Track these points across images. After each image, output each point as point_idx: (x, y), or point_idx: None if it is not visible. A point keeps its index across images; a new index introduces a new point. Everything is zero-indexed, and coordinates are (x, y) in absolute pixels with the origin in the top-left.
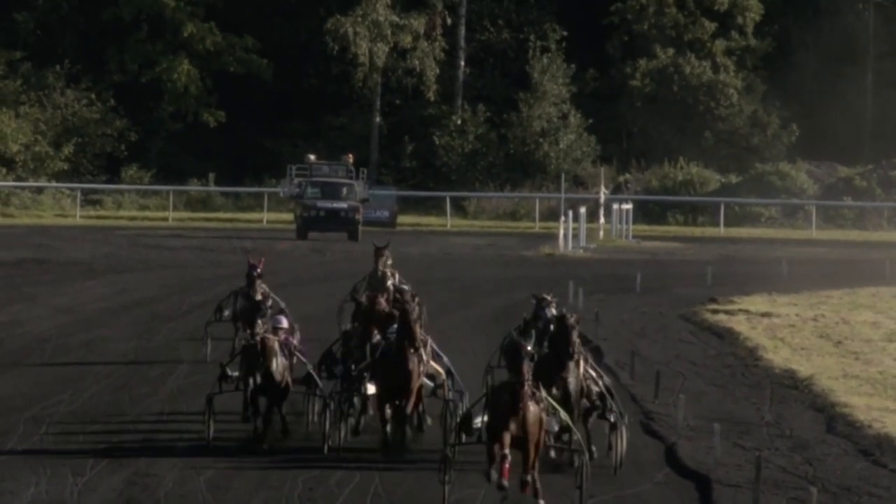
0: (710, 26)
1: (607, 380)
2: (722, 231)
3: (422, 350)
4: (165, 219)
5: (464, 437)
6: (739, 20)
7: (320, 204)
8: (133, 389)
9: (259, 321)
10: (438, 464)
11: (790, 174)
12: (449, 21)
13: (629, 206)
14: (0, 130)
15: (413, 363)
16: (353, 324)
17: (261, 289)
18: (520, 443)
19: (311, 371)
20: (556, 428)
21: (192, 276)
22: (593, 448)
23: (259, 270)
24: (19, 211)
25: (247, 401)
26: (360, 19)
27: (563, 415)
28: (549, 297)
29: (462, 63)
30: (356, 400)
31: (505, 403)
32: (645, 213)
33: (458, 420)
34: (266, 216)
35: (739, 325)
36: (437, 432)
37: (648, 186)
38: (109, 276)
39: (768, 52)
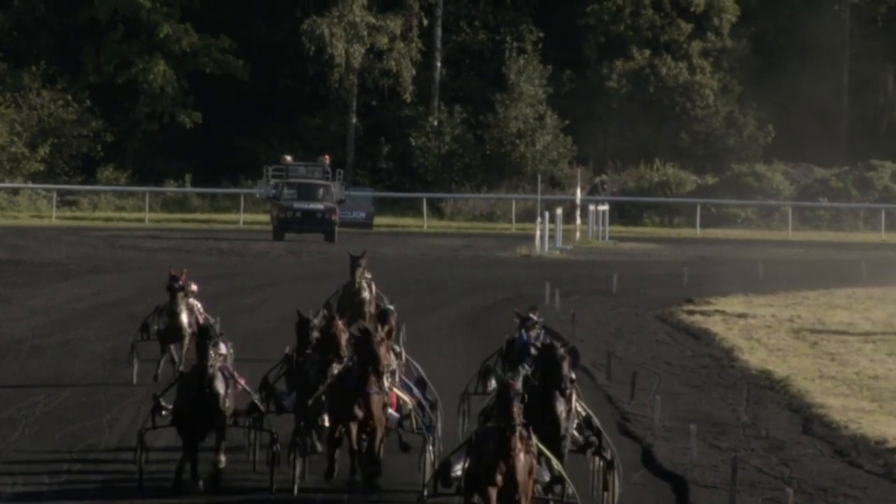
0: (687, 27)
1: (596, 421)
2: (698, 232)
3: (385, 377)
4: (142, 220)
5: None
6: (716, 21)
7: (297, 205)
8: (109, 390)
9: (210, 350)
10: None
11: (766, 175)
12: (425, 22)
13: (605, 207)
14: None
15: (374, 393)
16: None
17: (184, 303)
18: (507, 496)
19: (256, 401)
20: (547, 478)
21: (167, 277)
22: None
23: (181, 283)
24: None
25: (188, 439)
26: (336, 20)
27: (556, 463)
28: (534, 317)
29: (438, 64)
30: (314, 437)
31: (491, 452)
32: (621, 214)
33: (435, 468)
34: (242, 217)
35: (715, 325)
36: (403, 468)
37: (625, 187)
38: (85, 278)
39: (744, 53)
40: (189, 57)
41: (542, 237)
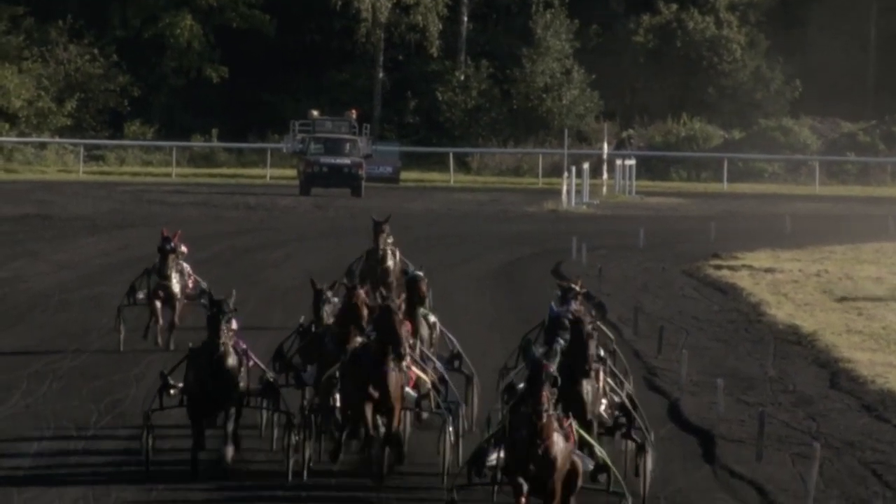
0: None
1: (629, 387)
2: (725, 187)
3: (406, 356)
4: (168, 175)
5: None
6: None
7: (323, 160)
8: (136, 345)
9: (223, 325)
10: None
11: (793, 130)
12: None
13: (632, 161)
14: (3, 86)
15: (391, 375)
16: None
17: (177, 269)
18: (541, 486)
19: (271, 379)
20: (592, 467)
21: (195, 232)
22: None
23: (173, 244)
24: (22, 167)
25: (196, 420)
26: None
27: (599, 450)
28: (577, 287)
29: (465, 18)
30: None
31: (523, 439)
32: (648, 168)
33: (469, 456)
34: (269, 172)
35: (742, 280)
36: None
37: (651, 142)
38: (112, 232)
39: (772, 6)
40: (216, 11)
41: (568, 192)
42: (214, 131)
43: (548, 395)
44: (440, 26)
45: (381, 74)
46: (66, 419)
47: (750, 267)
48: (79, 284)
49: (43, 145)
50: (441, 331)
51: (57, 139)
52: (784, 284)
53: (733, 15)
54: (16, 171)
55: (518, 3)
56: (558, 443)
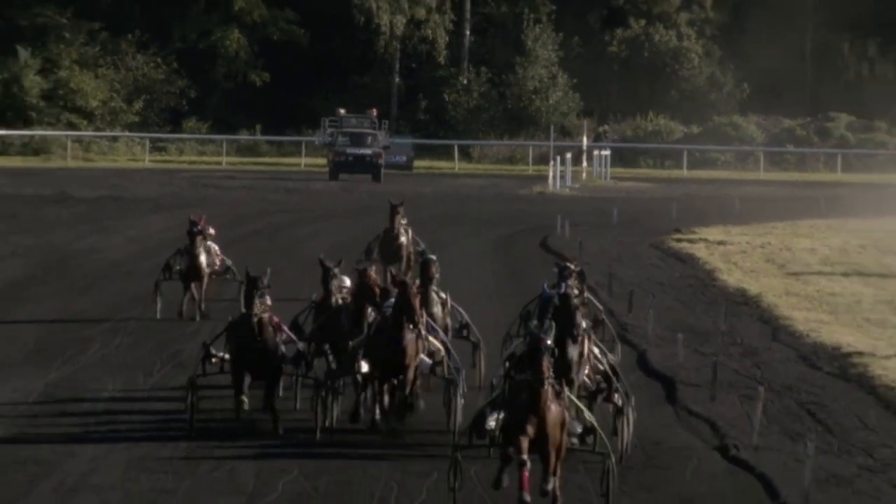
0: (676, 2)
1: (612, 357)
2: (685, 173)
3: (420, 326)
4: (219, 163)
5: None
6: None
7: (349, 150)
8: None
9: (257, 300)
10: (448, 469)
11: (742, 125)
12: None
13: (607, 152)
14: (82, 89)
15: (410, 340)
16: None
17: (204, 249)
18: (539, 447)
19: (301, 349)
20: (580, 430)
21: (242, 211)
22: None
23: (200, 227)
24: (98, 156)
25: (238, 382)
26: None
27: (587, 414)
28: (572, 266)
29: (467, 32)
30: (350, 380)
31: (523, 404)
32: (620, 158)
33: (470, 421)
34: (304, 161)
35: (699, 251)
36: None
37: (623, 136)
38: (173, 211)
39: (724, 22)
40: (259, 26)
41: (554, 177)
42: (258, 126)
43: (547, 364)
44: (447, 39)
45: (396, 79)
46: (135, 367)
47: (705, 240)
48: (144, 256)
49: (115, 138)
50: (451, 304)
51: (126, 133)
52: (734, 255)
53: (692, 29)
54: (93, 160)
55: (512, 19)
56: (554, 408)
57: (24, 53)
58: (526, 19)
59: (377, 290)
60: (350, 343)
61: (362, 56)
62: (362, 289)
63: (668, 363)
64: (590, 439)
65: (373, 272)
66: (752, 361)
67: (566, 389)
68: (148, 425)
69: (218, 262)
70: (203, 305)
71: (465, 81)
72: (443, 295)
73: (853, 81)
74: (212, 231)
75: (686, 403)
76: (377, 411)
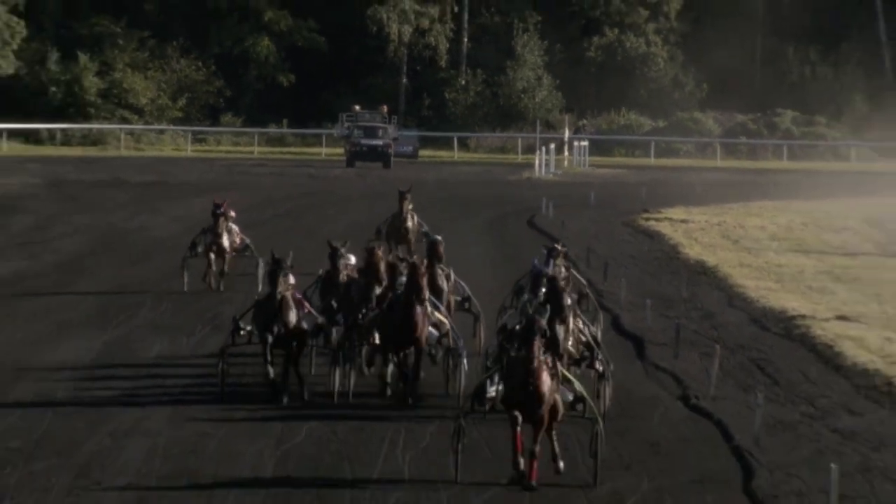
0: (644, 13)
1: (594, 329)
2: (652, 161)
3: (426, 303)
4: (251, 153)
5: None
6: (665, 9)
7: (363, 141)
8: (229, 276)
9: (281, 279)
10: (452, 433)
11: (701, 120)
12: (456, 9)
13: (585, 143)
14: (133, 89)
15: (419, 315)
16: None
17: (227, 229)
18: (535, 415)
19: (320, 322)
20: (571, 398)
21: (271, 194)
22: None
23: (223, 209)
24: (147, 146)
25: (266, 353)
26: (391, 8)
27: (578, 385)
28: (558, 247)
29: (465, 39)
30: (363, 350)
31: (519, 378)
32: (597, 148)
33: (472, 391)
34: (324, 150)
35: (664, 228)
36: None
37: (599, 129)
38: (212, 194)
39: (686, 31)
40: (286, 34)
41: (539, 165)
42: (285, 121)
43: (539, 344)
44: (447, 45)
45: (404, 80)
46: (178, 329)
47: (670, 219)
48: (187, 233)
49: (161, 131)
50: (455, 280)
51: (171, 127)
52: (694, 231)
53: (658, 37)
54: (142, 149)
55: (504, 28)
56: (546, 381)
57: (83, 58)
58: (516, 28)
59: (382, 267)
60: (360, 315)
61: (374, 60)
62: (370, 266)
63: (638, 325)
64: (580, 407)
65: (380, 251)
66: (709, 324)
67: (558, 364)
68: (189, 381)
69: (238, 241)
70: (222, 279)
71: (463, 82)
72: (448, 271)
73: (797, 82)
74: (232, 213)
75: (653, 360)
76: (388, 377)
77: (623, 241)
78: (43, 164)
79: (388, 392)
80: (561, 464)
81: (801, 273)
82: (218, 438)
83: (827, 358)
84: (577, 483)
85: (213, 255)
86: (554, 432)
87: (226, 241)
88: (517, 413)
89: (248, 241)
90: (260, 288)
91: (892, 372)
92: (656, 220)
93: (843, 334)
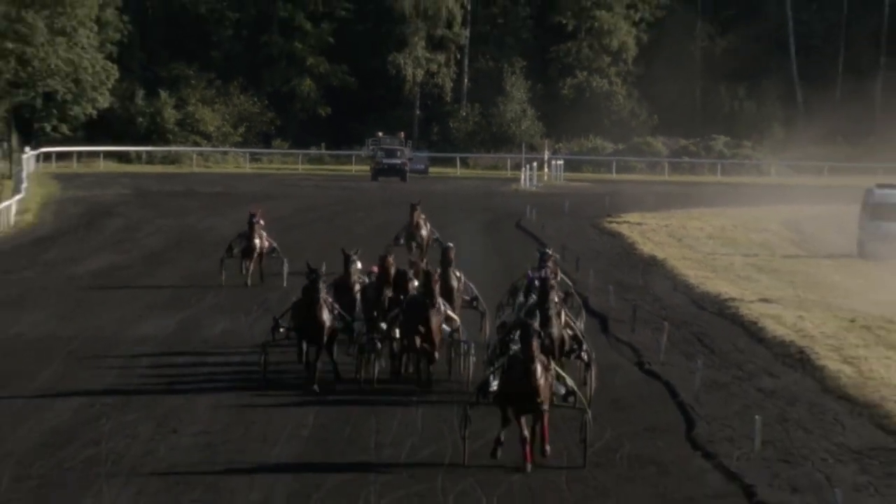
0: (607, 59)
1: (580, 325)
2: (614, 176)
3: (439, 304)
4: (296, 169)
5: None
6: (624, 55)
7: (385, 160)
8: (272, 268)
9: (321, 286)
10: (459, 421)
11: (652, 143)
12: (458, 56)
13: (561, 162)
14: (203, 119)
15: (433, 314)
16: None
17: (258, 233)
18: (532, 407)
19: (352, 324)
20: (563, 391)
21: (312, 202)
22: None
23: (257, 218)
24: (213, 164)
25: (301, 348)
26: (407, 55)
27: (569, 381)
28: (549, 252)
29: (465, 80)
30: (382, 343)
31: (517, 376)
32: (570, 166)
33: (477, 385)
34: (354, 168)
35: (623, 230)
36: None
37: (572, 151)
38: (266, 202)
39: (641, 73)
40: (324, 76)
41: (524, 179)
42: (323, 144)
43: (536, 345)
44: (451, 84)
45: (417, 112)
46: (237, 310)
47: (628, 222)
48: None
49: (225, 152)
50: (465, 282)
51: (233, 149)
52: (647, 232)
53: (618, 78)
54: (210, 167)
55: (496, 71)
56: (542, 378)
57: (164, 95)
58: (505, 71)
59: (392, 271)
60: (374, 313)
61: (394, 96)
62: (382, 271)
63: (603, 306)
64: (571, 399)
65: (390, 258)
66: (659, 305)
67: (552, 362)
68: (247, 350)
69: (267, 244)
70: (250, 275)
71: (464, 113)
72: (458, 274)
73: (728, 113)
74: (262, 221)
75: (615, 333)
76: (406, 366)
77: (591, 240)
78: (132, 178)
79: (411, 377)
80: (548, 447)
81: (732, 265)
82: (267, 403)
83: (752, 332)
84: (563, 461)
85: (246, 256)
86: (545, 419)
87: (257, 244)
88: (509, 414)
89: (275, 244)
90: (285, 283)
91: (803, 343)
92: (617, 223)
93: (764, 313)
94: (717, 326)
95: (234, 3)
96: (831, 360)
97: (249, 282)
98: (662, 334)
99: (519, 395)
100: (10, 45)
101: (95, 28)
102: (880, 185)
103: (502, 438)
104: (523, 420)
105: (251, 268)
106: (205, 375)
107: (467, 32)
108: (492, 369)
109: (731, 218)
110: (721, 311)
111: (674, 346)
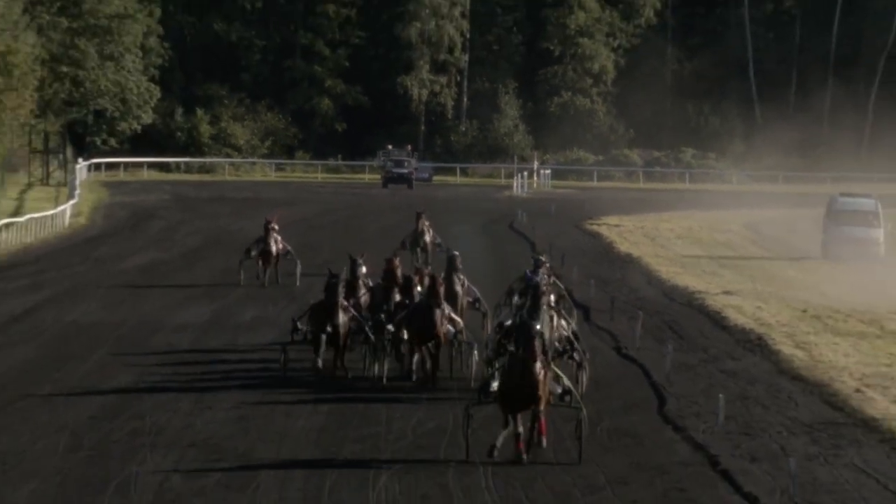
0: (590, 81)
1: (574, 326)
2: (595, 184)
3: (443, 306)
4: (316, 177)
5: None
6: (604, 77)
7: (394, 170)
8: (291, 268)
9: (340, 290)
10: (462, 420)
11: (629, 155)
12: (458, 79)
13: (548, 171)
14: (234, 133)
15: (437, 316)
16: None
17: (273, 237)
18: (529, 406)
19: (366, 326)
20: (560, 390)
21: (330, 206)
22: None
23: (273, 224)
24: (243, 173)
25: (317, 348)
26: (414, 78)
27: (566, 380)
28: (543, 259)
29: (465, 99)
30: (389, 344)
31: (517, 375)
32: (556, 175)
33: (479, 385)
34: (367, 176)
35: (603, 230)
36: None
37: (559, 161)
38: (290, 206)
39: (618, 93)
40: (340, 96)
41: (516, 186)
42: (339, 156)
43: (537, 345)
44: (452, 103)
45: (422, 127)
46: (265, 299)
47: (607, 224)
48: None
49: (253, 163)
50: (468, 285)
51: (260, 160)
52: (624, 232)
53: (599, 97)
54: (240, 176)
55: (492, 91)
56: (541, 377)
57: (200, 112)
58: (500, 92)
59: (399, 273)
60: (381, 314)
61: (402, 113)
62: (388, 274)
63: (585, 297)
64: (567, 398)
65: (396, 261)
66: (634, 296)
67: (551, 363)
68: (275, 334)
69: (281, 247)
70: (266, 277)
71: (463, 129)
72: (462, 278)
73: (695, 129)
74: (276, 227)
75: (596, 322)
76: (413, 363)
77: (574, 239)
78: (171, 185)
79: (414, 378)
80: (544, 440)
81: (698, 261)
82: (291, 385)
83: (716, 320)
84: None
85: (261, 260)
86: (542, 415)
87: (273, 248)
88: (508, 414)
89: (289, 247)
90: (298, 283)
91: (761, 330)
92: (597, 224)
93: (727, 304)
94: (686, 316)
95: (261, 31)
96: (785, 346)
97: (266, 283)
98: (637, 322)
99: (519, 391)
100: (65, 69)
101: (140, 54)
102: (843, 194)
103: (499, 445)
104: (520, 417)
105: (268, 270)
106: (237, 358)
107: (466, 57)
108: (492, 370)
109: (697, 220)
110: (689, 302)
111: (647, 333)
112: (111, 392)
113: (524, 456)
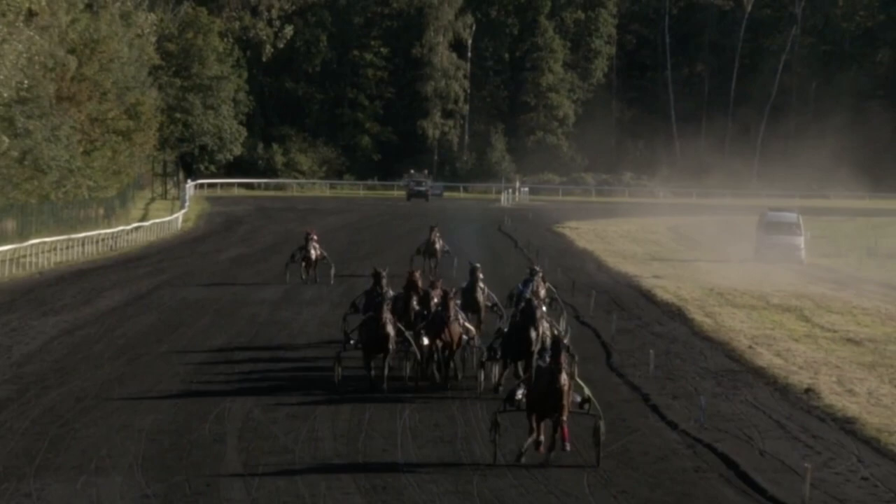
0: (556, 123)
1: (563, 323)
2: (560, 198)
3: (456, 315)
4: (359, 194)
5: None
6: (566, 121)
7: (415, 188)
8: (326, 270)
9: (385, 307)
10: (490, 427)
11: (584, 176)
12: (462, 122)
13: (527, 189)
14: (299, 161)
15: (453, 324)
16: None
17: (313, 247)
18: (554, 412)
19: (404, 331)
20: (579, 399)
21: (369, 214)
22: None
23: (312, 235)
24: (306, 190)
25: (367, 359)
26: (429, 122)
27: (587, 391)
28: (537, 269)
29: (467, 137)
30: (416, 349)
31: (544, 384)
32: (532, 191)
33: (505, 395)
34: (395, 193)
35: (567, 232)
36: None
37: (534, 181)
38: (340, 216)
39: (578, 133)
40: (376, 135)
41: (503, 200)
42: (375, 177)
43: (565, 359)
44: (457, 139)
45: (435, 157)
46: (313, 297)
47: (569, 227)
48: (327, 236)
49: (314, 183)
50: (488, 292)
51: (318, 181)
52: (583, 233)
53: (563, 135)
54: (304, 192)
55: (486, 132)
56: (566, 386)
57: (275, 146)
58: (492, 133)
59: (420, 283)
60: (402, 323)
61: (419, 146)
62: (409, 284)
63: (553, 280)
64: (586, 406)
65: (417, 273)
66: (589, 279)
67: (575, 372)
68: (325, 315)
69: (319, 254)
70: (309, 277)
71: (465, 158)
72: (483, 287)
73: (632, 158)
74: (315, 237)
75: (561, 298)
76: (433, 367)
77: (545, 238)
78: (254, 200)
79: (438, 378)
80: (568, 445)
81: (635, 255)
82: (331, 404)
83: (648, 297)
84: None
85: (304, 263)
86: (565, 424)
87: (312, 254)
88: (534, 422)
89: (325, 253)
90: (332, 281)
91: (680, 304)
92: (562, 227)
93: (656, 285)
94: (626, 293)
95: (319, 88)
96: (698, 315)
97: (308, 282)
98: (591, 298)
99: (545, 400)
100: (178, 115)
101: (232, 104)
102: (772, 209)
103: (524, 450)
104: (543, 425)
105: (310, 271)
106: (300, 325)
107: (467, 107)
108: (519, 381)
109: (634, 224)
110: (628, 284)
111: (598, 306)
112: (211, 350)
113: (548, 456)
